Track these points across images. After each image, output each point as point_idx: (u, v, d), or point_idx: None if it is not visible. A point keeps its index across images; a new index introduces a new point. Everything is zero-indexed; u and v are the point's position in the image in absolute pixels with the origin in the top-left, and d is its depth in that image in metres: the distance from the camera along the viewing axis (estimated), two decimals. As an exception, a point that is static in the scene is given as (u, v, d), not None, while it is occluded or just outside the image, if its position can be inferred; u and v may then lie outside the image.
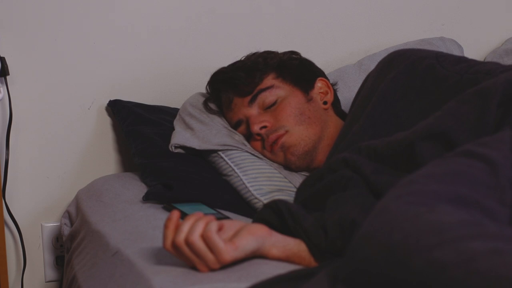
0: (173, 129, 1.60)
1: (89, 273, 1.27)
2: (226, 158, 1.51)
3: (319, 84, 1.57)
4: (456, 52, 1.90)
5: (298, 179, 1.48)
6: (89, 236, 1.39)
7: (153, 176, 1.50)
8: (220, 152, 1.52)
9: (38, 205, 1.74)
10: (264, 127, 1.49)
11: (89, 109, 1.74)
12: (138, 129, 1.62)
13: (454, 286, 0.70)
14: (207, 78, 1.63)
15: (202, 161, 1.55)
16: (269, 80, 1.52)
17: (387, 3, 1.95)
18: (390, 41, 1.93)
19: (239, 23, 1.84)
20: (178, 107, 1.69)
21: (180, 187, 1.43)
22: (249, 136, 1.53)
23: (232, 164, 1.50)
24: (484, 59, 2.01)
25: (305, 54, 1.64)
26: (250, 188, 1.46)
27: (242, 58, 1.60)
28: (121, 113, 1.68)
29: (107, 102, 1.74)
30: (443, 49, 1.88)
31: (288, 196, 1.42)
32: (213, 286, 0.98)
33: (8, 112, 1.67)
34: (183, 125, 1.58)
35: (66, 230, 1.59)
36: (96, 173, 1.71)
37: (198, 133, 1.54)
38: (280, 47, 1.63)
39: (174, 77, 1.80)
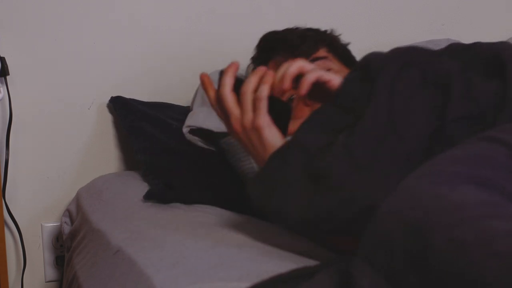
0: (174, 127, 1.59)
1: (89, 272, 1.27)
2: None
3: None
4: None
5: None
6: (90, 235, 1.39)
7: (155, 173, 1.50)
8: None
9: (38, 205, 1.74)
10: None
11: (89, 109, 1.74)
12: (140, 125, 1.61)
13: (472, 265, 0.70)
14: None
15: (204, 159, 1.54)
16: (322, 52, 1.50)
17: (387, 3, 1.95)
18: (390, 41, 1.93)
19: (239, 23, 1.84)
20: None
21: (181, 187, 1.43)
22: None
23: None
24: (484, 59, 2.01)
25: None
26: None
27: (290, 27, 1.57)
28: (123, 109, 1.68)
29: (107, 104, 1.74)
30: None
31: None
32: (213, 285, 0.98)
33: (8, 112, 1.68)
34: (200, 100, 1.55)
35: (67, 229, 1.59)
36: (96, 173, 1.71)
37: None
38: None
39: (174, 77, 1.80)
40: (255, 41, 1.80)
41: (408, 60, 1.10)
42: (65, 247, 1.60)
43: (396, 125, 1.01)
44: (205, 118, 1.52)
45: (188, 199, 1.43)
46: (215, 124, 1.50)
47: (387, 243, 0.78)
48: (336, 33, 1.58)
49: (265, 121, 1.09)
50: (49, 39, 1.71)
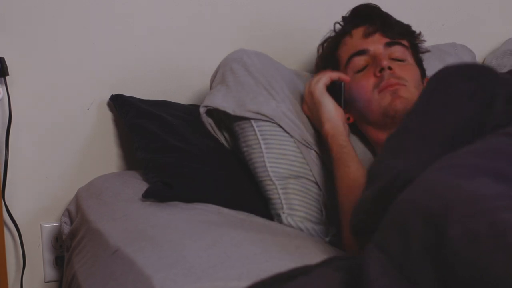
0: (175, 124, 1.59)
1: (89, 271, 1.27)
2: (256, 129, 1.49)
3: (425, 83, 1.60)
4: (467, 58, 1.88)
5: (318, 166, 1.48)
6: (89, 234, 1.39)
7: (155, 172, 1.49)
8: (252, 121, 1.49)
9: (37, 205, 1.74)
10: (390, 68, 1.50)
11: (88, 109, 1.74)
12: (141, 123, 1.60)
13: (483, 257, 0.70)
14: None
15: (205, 156, 1.53)
16: (405, 42, 1.59)
17: (386, 3, 1.94)
18: (390, 41, 1.92)
19: (239, 22, 1.84)
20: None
21: (181, 185, 1.43)
22: (359, 70, 1.55)
23: (260, 137, 1.48)
24: (484, 60, 2.01)
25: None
26: (268, 166, 1.46)
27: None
28: (123, 107, 1.67)
29: (107, 102, 1.74)
30: (453, 55, 1.86)
31: (303, 183, 1.44)
32: (213, 284, 0.98)
33: (8, 112, 1.67)
34: (220, 78, 1.55)
35: (66, 229, 1.59)
36: (96, 174, 1.71)
37: (234, 92, 1.51)
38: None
39: (174, 77, 1.80)
40: (255, 41, 1.81)
41: (468, 76, 1.18)
42: (65, 247, 1.60)
43: (430, 116, 1.13)
44: (222, 98, 1.52)
45: (187, 198, 1.43)
46: (231, 106, 1.50)
47: (404, 232, 0.79)
48: (422, 37, 1.66)
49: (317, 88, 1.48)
50: (49, 39, 1.70)
